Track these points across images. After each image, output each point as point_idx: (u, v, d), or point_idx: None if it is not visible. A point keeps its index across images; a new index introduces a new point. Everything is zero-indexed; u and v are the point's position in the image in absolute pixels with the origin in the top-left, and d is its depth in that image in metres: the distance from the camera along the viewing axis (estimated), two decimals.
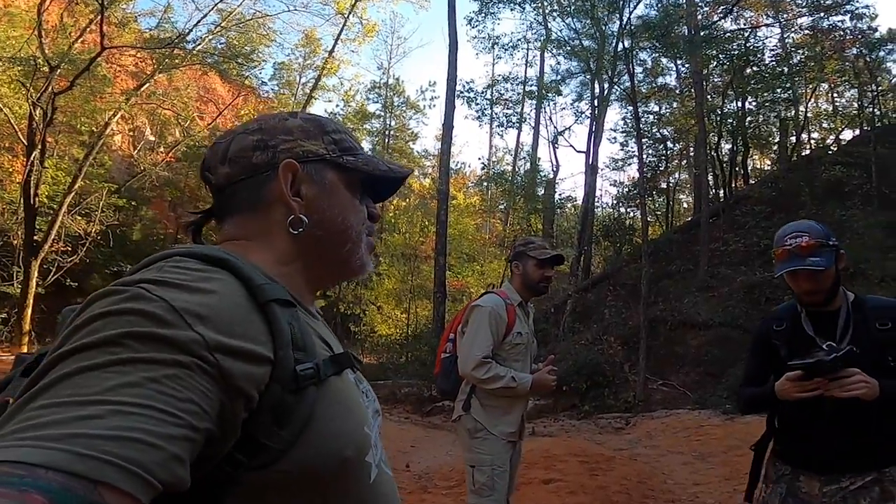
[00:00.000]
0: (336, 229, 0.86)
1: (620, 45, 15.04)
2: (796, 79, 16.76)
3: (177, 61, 18.01)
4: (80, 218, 17.23)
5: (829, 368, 1.85)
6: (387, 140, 32.90)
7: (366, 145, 32.90)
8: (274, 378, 0.65)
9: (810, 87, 18.56)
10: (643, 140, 17.73)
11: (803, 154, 19.54)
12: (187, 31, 18.09)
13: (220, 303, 0.63)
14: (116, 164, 22.54)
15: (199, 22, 18.19)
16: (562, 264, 3.29)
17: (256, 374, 0.63)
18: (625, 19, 14.55)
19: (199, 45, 18.49)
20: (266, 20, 21.55)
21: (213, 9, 18.35)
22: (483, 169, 28.32)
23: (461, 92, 19.01)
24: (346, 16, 23.90)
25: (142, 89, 17.61)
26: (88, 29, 16.19)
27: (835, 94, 20.73)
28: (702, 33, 15.86)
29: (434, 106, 34.24)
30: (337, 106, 30.89)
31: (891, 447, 1.94)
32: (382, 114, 33.21)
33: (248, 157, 0.83)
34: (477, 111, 21.16)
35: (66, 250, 16.82)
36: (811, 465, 2.03)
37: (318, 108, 32.13)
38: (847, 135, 20.35)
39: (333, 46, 25.45)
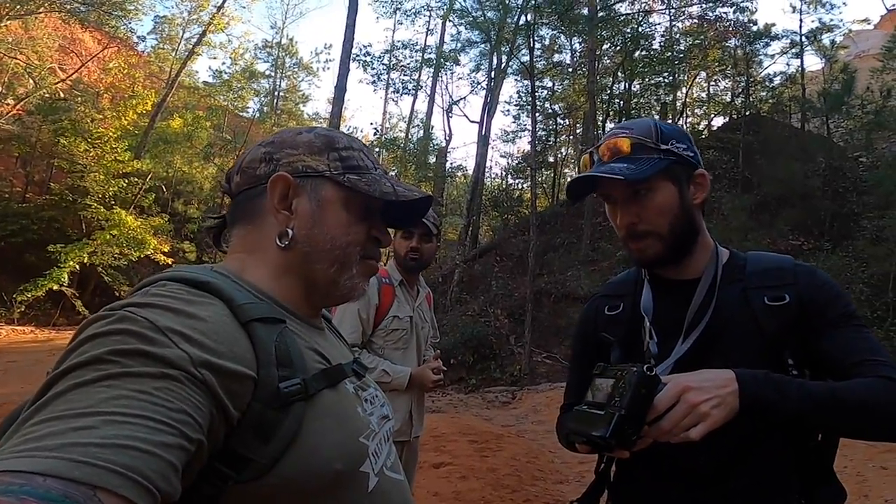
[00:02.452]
0: (323, 247, 0.85)
1: (523, 19, 15.00)
2: (680, 65, 17.67)
3: (31, 7, 15.64)
4: None
5: (605, 446, 0.96)
6: (276, 101, 31.33)
7: (252, 105, 31.31)
8: (256, 396, 0.66)
9: (692, 73, 19.70)
10: (536, 114, 17.98)
11: None
12: None
13: (205, 324, 0.65)
14: None
15: None
16: (431, 235, 2.65)
17: (239, 392, 0.65)
18: None
19: None
20: None
21: None
22: (375, 134, 27.63)
23: (357, 55, 18.32)
24: None
25: None
26: None
27: (711, 83, 22.16)
28: (600, 14, 16.20)
29: (328, 69, 33.08)
30: (223, 63, 29.02)
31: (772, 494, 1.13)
32: (273, 74, 31.51)
33: (255, 169, 0.85)
34: (373, 76, 20.56)
35: None
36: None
37: (201, 64, 29.88)
38: (717, 121, 21.94)
39: (223, 2, 23.56)
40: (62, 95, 19.70)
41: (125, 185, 18.21)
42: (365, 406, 0.84)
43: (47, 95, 18.43)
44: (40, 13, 16.63)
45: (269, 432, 0.66)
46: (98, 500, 0.48)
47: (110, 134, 18.06)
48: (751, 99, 18.52)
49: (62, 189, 18.85)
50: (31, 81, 19.26)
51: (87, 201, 17.06)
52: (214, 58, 28.80)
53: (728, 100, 20.89)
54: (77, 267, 15.69)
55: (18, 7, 15.23)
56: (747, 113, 18.12)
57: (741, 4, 17.38)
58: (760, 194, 14.31)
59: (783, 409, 0.99)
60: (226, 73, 29.78)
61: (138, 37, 27.80)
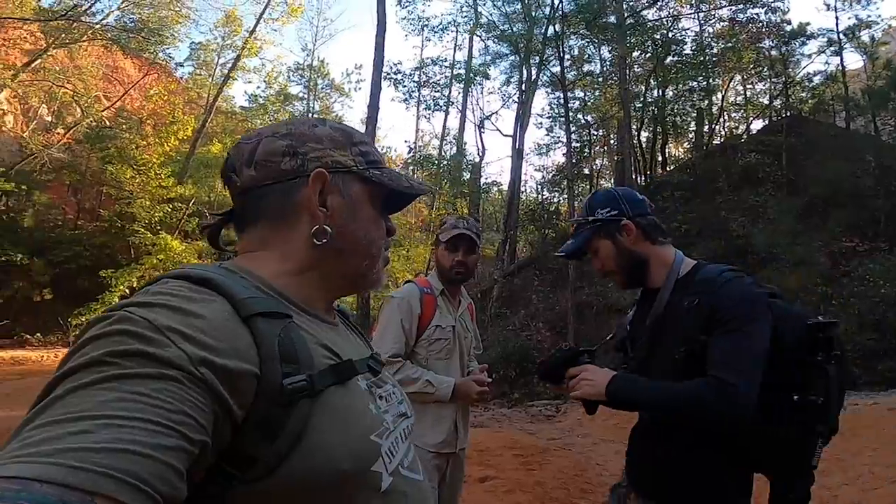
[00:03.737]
0: (358, 243, 0.86)
1: (550, 30, 15.00)
2: (713, 69, 17.36)
3: (75, 36, 16.42)
4: None
5: (539, 375, 1.80)
6: None
7: None
8: (259, 393, 0.65)
9: (726, 77, 19.33)
10: (569, 125, 17.88)
11: (716, 142, 20.37)
12: (87, 3, 16.52)
13: (205, 321, 0.64)
14: (6, 145, 20.43)
15: None
16: (474, 246, 2.68)
17: (242, 389, 0.63)
18: (556, 3, 14.50)
19: (104, 19, 16.98)
20: None
21: None
22: (409, 153, 27.86)
23: (388, 74, 18.58)
24: None
25: (32, 65, 15.95)
26: None
27: (747, 86, 21.71)
28: (628, 21, 16.09)
29: (360, 89, 33.58)
30: (258, 87, 29.69)
31: (703, 484, 1.52)
32: (305, 96, 32.14)
33: (277, 163, 0.82)
34: (404, 93, 20.79)
35: None
36: (637, 485, 1.67)
37: (237, 89, 30.75)
38: (756, 124, 21.43)
39: (255, 26, 24.37)
40: (108, 123, 20.54)
41: (170, 210, 18.82)
42: (379, 403, 0.82)
43: (94, 123, 19.23)
44: (84, 42, 17.37)
45: (274, 430, 0.65)
46: None
47: (154, 160, 18.73)
48: (790, 100, 18.06)
49: (111, 215, 19.61)
50: (78, 110, 20.15)
51: (134, 227, 17.69)
52: (249, 82, 29.80)
53: (766, 102, 20.43)
54: (128, 291, 16.24)
55: (64, 36, 15.94)
56: (788, 114, 17.68)
57: (772, 5, 17.05)
58: (807, 196, 13.87)
59: (630, 399, 1.57)
60: (261, 96, 30.44)
61: (176, 63, 28.60)
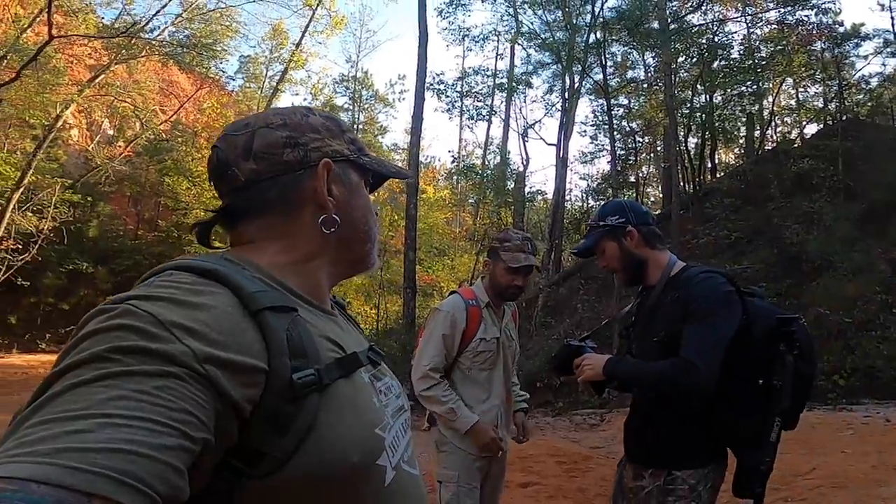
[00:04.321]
0: (361, 229, 0.88)
1: (592, 37, 14.93)
2: (763, 73, 16.90)
3: (134, 51, 17.29)
4: (31, 214, 16.42)
5: (554, 368, 2.22)
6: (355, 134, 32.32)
7: None
8: (268, 388, 0.64)
9: (777, 80, 18.78)
10: (614, 133, 17.70)
11: (768, 148, 19.78)
12: (145, 20, 17.42)
13: (210, 315, 0.63)
14: (73, 158, 21.64)
15: (158, 12, 17.56)
16: (535, 273, 2.89)
17: (248, 385, 0.62)
18: (597, 11, 14.42)
19: (159, 35, 17.82)
20: (231, 12, 20.97)
21: None
22: (453, 162, 28.03)
23: (431, 84, 18.71)
24: (313, 8, 23.40)
25: (96, 80, 16.86)
26: (40, 19, 15.34)
27: (799, 89, 21.03)
28: (672, 26, 15.86)
29: (403, 99, 33.99)
30: (304, 99, 30.31)
31: (679, 449, 1.86)
32: (351, 107, 32.77)
33: (279, 154, 0.81)
34: (447, 103, 20.85)
35: (17, 248, 15.99)
36: (628, 453, 2.06)
37: (284, 101, 31.56)
38: (810, 129, 20.71)
39: (301, 39, 25.01)
40: (164, 136, 21.47)
41: None
42: (380, 397, 0.82)
43: (152, 137, 20.10)
44: (143, 57, 18.21)
45: (284, 425, 0.64)
46: None
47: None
48: (846, 103, 17.38)
49: (168, 226, 20.48)
50: (137, 123, 21.14)
51: (190, 237, 18.34)
52: (296, 94, 30.23)
53: (820, 105, 19.72)
54: None
55: (124, 52, 16.75)
56: (843, 118, 17.01)
57: (823, 6, 16.45)
58: (866, 202, 13.30)
59: (618, 376, 1.94)
60: None
61: (227, 77, 29.57)
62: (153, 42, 17.61)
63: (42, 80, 15.61)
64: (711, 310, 1.76)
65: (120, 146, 22.02)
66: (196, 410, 0.57)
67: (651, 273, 2.02)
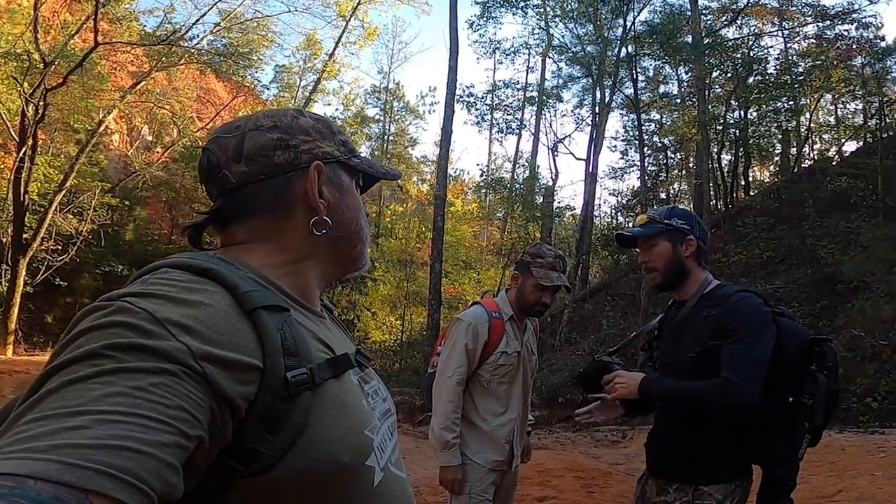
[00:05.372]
0: (352, 230, 0.88)
1: (623, 51, 14.85)
2: (800, 88, 16.55)
3: (174, 59, 17.83)
4: (71, 217, 16.97)
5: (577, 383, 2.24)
6: (385, 145, 32.77)
7: (365, 149, 33.11)
8: (263, 386, 0.64)
9: (814, 96, 18.37)
10: (644, 149, 17.53)
11: (804, 165, 19.33)
12: (185, 28, 17.96)
13: (205, 313, 0.63)
14: (112, 163, 22.32)
15: (197, 21, 18.11)
16: (563, 293, 2.83)
17: (244, 382, 0.63)
18: (628, 25, 14.35)
19: (198, 43, 18.34)
20: (267, 22, 21.45)
21: (212, 8, 18.23)
22: (482, 175, 28.14)
23: (461, 96, 18.84)
24: (347, 19, 23.82)
25: (138, 87, 17.42)
26: (86, 26, 15.94)
27: (838, 105, 20.54)
28: (706, 40, 15.68)
29: (434, 111, 34.17)
30: (336, 109, 30.80)
31: (706, 464, 1.84)
32: (382, 118, 33.13)
33: (269, 157, 0.81)
34: (476, 116, 21.00)
35: (57, 249, 16.56)
36: (651, 468, 2.03)
37: (317, 110, 31.96)
38: (849, 146, 20.17)
39: (334, 49, 25.42)
40: (201, 143, 21.97)
41: None
42: (368, 399, 0.82)
43: (189, 143, 20.61)
44: (182, 64, 18.72)
45: (277, 424, 0.65)
46: (90, 503, 0.47)
47: None
48: (887, 120, 16.88)
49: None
50: (175, 130, 21.71)
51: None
52: (329, 104, 30.66)
53: (860, 122, 19.20)
54: None
55: (164, 59, 17.25)
56: (884, 135, 16.52)
57: (864, 20, 16.12)
58: None
59: (655, 394, 1.90)
60: (339, 118, 31.60)
61: (262, 86, 30.12)
62: (192, 50, 18.13)
63: (87, 85, 16.23)
64: (753, 329, 1.77)
65: (158, 152, 22.64)
66: (192, 408, 0.57)
67: (687, 287, 2.01)
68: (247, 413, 0.63)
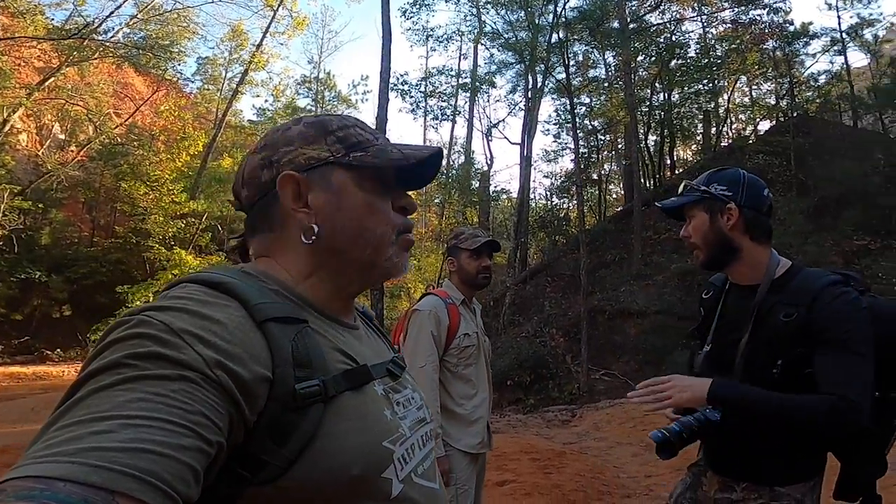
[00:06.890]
0: (352, 234, 0.83)
1: (555, 37, 15.11)
2: (718, 71, 17.40)
3: (86, 53, 16.75)
4: None
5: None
6: None
7: None
8: (272, 396, 0.65)
9: (731, 78, 19.36)
10: (577, 132, 17.96)
11: (724, 144, 20.36)
12: (97, 21, 16.88)
13: (220, 325, 0.64)
14: (21, 164, 20.79)
15: (112, 13, 17.07)
16: (498, 251, 2.95)
17: (254, 392, 0.64)
18: (559, 11, 14.60)
19: (113, 36, 17.30)
20: (188, 13, 20.49)
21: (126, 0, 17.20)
22: None
23: (395, 84, 18.66)
24: (274, 8, 23.06)
25: (46, 83, 16.27)
26: None
27: (753, 87, 21.72)
28: (631, 26, 16.17)
29: (367, 100, 33.78)
30: (266, 101, 29.91)
31: (783, 464, 1.61)
32: (313, 108, 32.38)
33: (258, 178, 0.83)
34: (411, 104, 20.84)
35: None
36: (713, 464, 1.75)
37: (245, 103, 31.00)
38: (763, 125, 21.41)
39: (262, 40, 24.61)
40: (120, 140, 20.84)
41: (183, 225, 19.00)
42: (396, 409, 0.81)
43: (107, 141, 19.51)
44: (95, 59, 17.68)
45: (284, 434, 0.66)
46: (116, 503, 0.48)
47: (166, 176, 18.95)
48: (797, 100, 18.03)
49: (126, 232, 19.87)
50: (90, 127, 20.48)
51: (149, 243, 17.90)
52: (257, 96, 29.82)
53: (773, 102, 20.41)
54: None
55: (76, 54, 16.24)
56: (795, 114, 17.64)
57: (774, 5, 17.10)
58: (817, 196, 13.86)
59: (732, 403, 1.54)
60: (269, 110, 30.54)
61: (185, 79, 28.81)
62: (107, 44, 17.09)
63: None
64: (859, 337, 1.49)
65: (72, 151, 21.29)
66: (211, 414, 0.58)
67: (743, 269, 1.67)
68: (255, 423, 0.64)
